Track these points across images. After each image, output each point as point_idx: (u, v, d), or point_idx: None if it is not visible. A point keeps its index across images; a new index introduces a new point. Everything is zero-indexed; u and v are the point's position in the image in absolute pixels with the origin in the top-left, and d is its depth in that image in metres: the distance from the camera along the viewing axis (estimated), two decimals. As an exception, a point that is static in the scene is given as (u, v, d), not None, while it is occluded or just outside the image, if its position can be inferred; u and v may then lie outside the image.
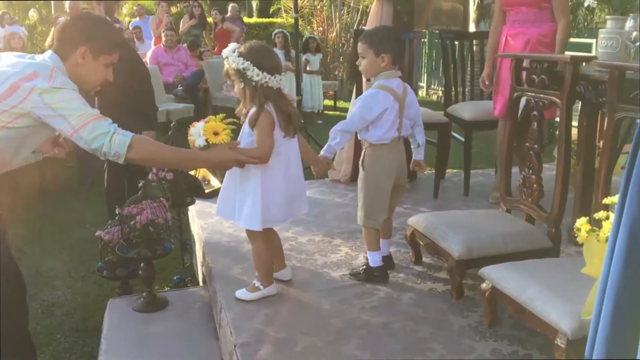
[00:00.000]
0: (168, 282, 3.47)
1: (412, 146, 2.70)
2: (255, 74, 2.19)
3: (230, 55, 2.24)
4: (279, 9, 14.08)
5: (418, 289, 2.54)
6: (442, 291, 2.52)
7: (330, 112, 10.03)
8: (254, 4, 18.17)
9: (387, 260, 2.70)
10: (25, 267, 3.77)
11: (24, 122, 2.05)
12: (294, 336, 2.18)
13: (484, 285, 2.19)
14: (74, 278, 3.65)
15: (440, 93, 11.37)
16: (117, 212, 2.91)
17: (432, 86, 11.65)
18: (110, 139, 2.03)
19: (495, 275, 2.13)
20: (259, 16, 16.71)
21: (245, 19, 14.17)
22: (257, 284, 2.45)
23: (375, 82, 2.54)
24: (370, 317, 2.30)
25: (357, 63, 2.61)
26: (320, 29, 11.44)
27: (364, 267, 2.64)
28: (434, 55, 11.56)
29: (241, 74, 2.23)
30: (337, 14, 11.25)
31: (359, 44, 2.56)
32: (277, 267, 2.59)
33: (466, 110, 3.84)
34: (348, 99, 11.20)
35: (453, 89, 4.13)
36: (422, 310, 2.34)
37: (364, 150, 2.61)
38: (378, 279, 2.58)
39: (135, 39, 9.59)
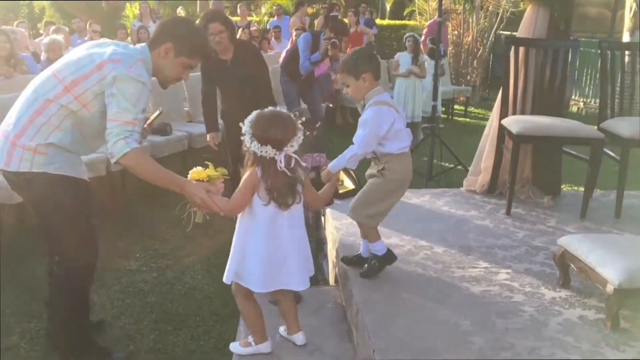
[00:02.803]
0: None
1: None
2: (247, 140, 2.22)
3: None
4: (413, 11, 13.95)
5: (567, 314, 2.38)
6: (594, 319, 2.34)
7: (461, 119, 9.78)
8: (387, 6, 18.17)
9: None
10: (168, 250, 4.05)
11: (96, 106, 2.43)
12: (433, 349, 2.13)
13: (647, 320, 2.01)
14: (211, 264, 3.85)
15: (581, 105, 10.70)
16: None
17: (573, 97, 10.97)
18: (115, 142, 2.34)
19: (663, 311, 1.94)
20: (392, 18, 16.68)
21: (378, 21, 14.20)
22: (250, 339, 2.42)
23: (369, 102, 2.53)
24: (515, 340, 2.18)
25: (344, 93, 2.61)
26: (456, 32, 11.17)
27: (374, 261, 2.68)
28: (577, 64, 10.87)
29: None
30: (474, 17, 10.93)
31: (340, 75, 2.58)
32: (289, 330, 2.48)
33: (624, 126, 3.55)
34: (480, 106, 10.88)
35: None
36: (572, 339, 2.19)
37: (383, 163, 2.58)
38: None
39: (273, 38, 9.97)
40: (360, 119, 2.54)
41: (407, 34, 8.57)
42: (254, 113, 2.27)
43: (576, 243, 2.48)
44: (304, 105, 6.38)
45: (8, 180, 2.55)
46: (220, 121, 4.53)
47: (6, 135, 2.46)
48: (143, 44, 2.58)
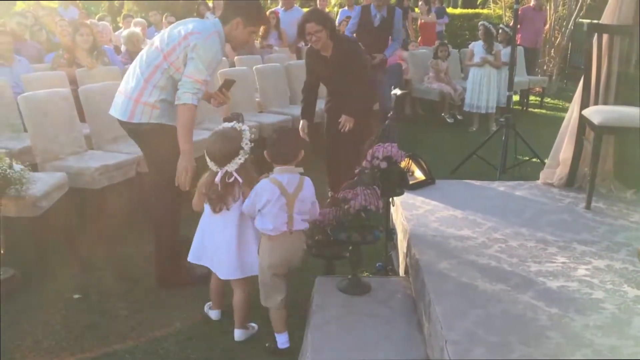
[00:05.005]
0: (367, 268, 3.53)
1: None
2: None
3: None
4: (487, -1, 13.57)
5: (652, 314, 2.27)
6: (683, 321, 2.22)
7: (536, 110, 9.44)
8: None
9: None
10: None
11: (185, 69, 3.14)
12: (508, 343, 2.08)
13: None
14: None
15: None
16: (329, 195, 3.03)
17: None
18: (185, 92, 3.11)
19: None
20: (464, 7, 16.29)
21: (450, 10, 13.91)
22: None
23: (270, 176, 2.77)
24: (595, 337, 2.10)
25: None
26: (532, 20, 10.76)
27: (271, 345, 2.89)
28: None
29: None
30: (552, 4, 10.50)
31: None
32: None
33: None
34: (558, 97, 10.48)
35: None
36: (658, 339, 2.09)
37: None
38: None
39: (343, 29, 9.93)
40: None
41: (480, 23, 8.37)
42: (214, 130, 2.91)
43: (664, 239, 2.35)
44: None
45: (129, 131, 3.37)
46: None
47: (129, 96, 3.24)
48: (215, 19, 3.31)
